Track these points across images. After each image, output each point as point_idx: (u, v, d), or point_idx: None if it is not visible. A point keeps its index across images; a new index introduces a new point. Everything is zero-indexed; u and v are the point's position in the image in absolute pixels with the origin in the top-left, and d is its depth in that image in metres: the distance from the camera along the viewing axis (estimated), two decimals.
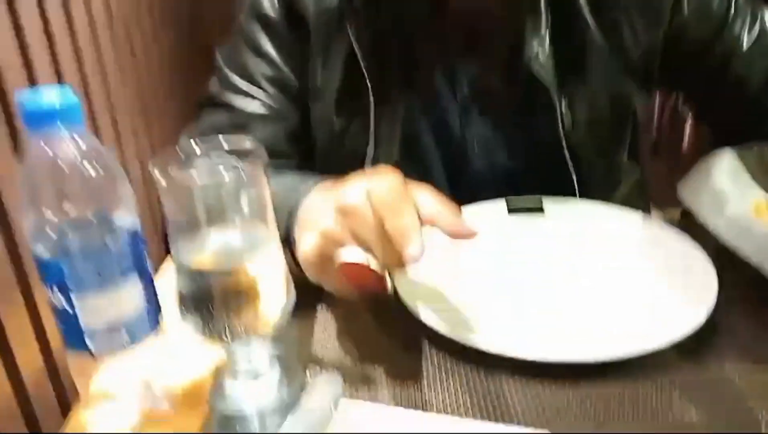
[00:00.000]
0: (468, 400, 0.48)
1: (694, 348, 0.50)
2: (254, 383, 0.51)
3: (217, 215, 0.45)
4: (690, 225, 0.61)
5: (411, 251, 0.46)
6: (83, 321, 0.45)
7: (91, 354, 0.46)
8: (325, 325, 0.58)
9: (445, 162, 0.74)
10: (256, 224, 0.47)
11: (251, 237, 0.46)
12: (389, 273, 0.50)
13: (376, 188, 0.48)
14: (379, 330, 0.57)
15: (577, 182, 0.72)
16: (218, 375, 0.53)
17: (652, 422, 0.45)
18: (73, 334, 0.45)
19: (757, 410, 0.45)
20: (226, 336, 0.48)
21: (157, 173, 0.43)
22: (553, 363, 0.49)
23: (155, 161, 0.44)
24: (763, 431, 0.43)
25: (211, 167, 0.44)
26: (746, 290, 0.56)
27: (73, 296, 0.44)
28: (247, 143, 0.45)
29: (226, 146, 0.45)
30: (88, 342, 0.45)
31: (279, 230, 0.56)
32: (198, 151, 0.46)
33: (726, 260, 0.55)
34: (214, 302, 0.46)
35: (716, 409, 0.45)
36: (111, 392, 0.50)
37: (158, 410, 0.50)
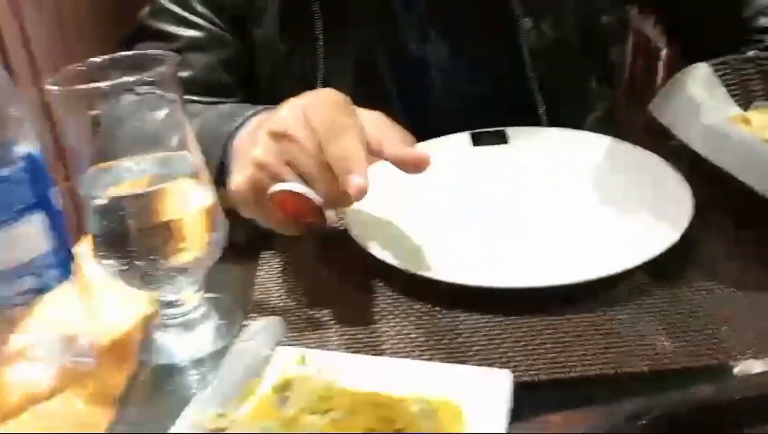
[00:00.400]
0: (423, 341, 0.44)
1: (666, 271, 0.46)
2: (188, 335, 0.46)
3: (128, 139, 0.40)
4: (661, 149, 0.57)
5: (354, 181, 0.40)
6: None
7: None
8: (267, 265, 0.53)
9: (403, 91, 0.68)
10: (175, 148, 0.41)
11: (169, 163, 0.41)
12: (334, 208, 0.45)
13: (314, 108, 0.43)
14: (327, 268, 0.52)
15: (545, 110, 0.67)
16: (147, 326, 0.48)
17: (621, 353, 0.41)
18: None
19: (729, 337, 0.41)
20: (151, 280, 0.43)
21: (54, 89, 0.37)
22: (516, 292, 0.44)
23: (53, 77, 0.38)
24: (733, 359, 0.39)
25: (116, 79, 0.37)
26: (720, 212, 0.53)
27: None
28: (156, 52, 0.39)
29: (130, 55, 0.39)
30: None
31: (213, 161, 0.51)
32: (103, 66, 0.40)
33: (699, 181, 0.51)
34: (130, 238, 0.40)
35: (688, 336, 0.42)
36: (29, 349, 0.45)
37: (81, 366, 0.45)
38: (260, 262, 0.53)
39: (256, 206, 0.45)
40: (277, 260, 0.53)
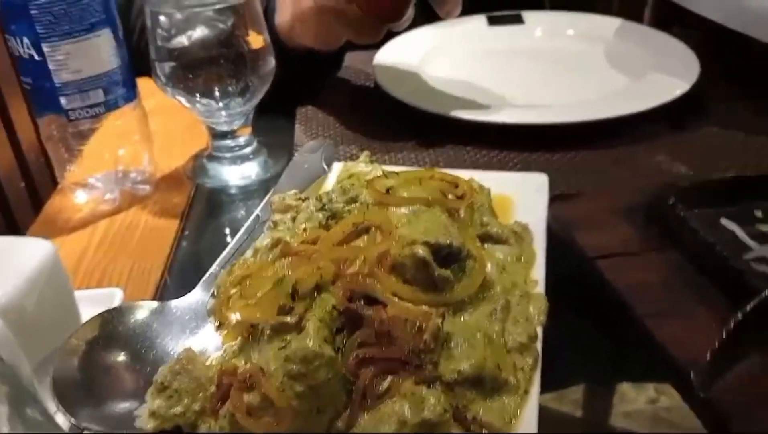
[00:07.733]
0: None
1: (679, 118, 0.52)
2: (239, 166, 0.49)
3: None
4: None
5: None
6: (55, 75, 0.42)
7: (66, 116, 0.43)
8: (305, 117, 0.56)
9: None
10: None
11: None
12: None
13: None
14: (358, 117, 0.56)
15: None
16: (199, 157, 0.51)
17: (643, 176, 0.46)
18: (45, 92, 0.42)
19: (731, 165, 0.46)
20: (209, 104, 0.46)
21: None
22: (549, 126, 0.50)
23: None
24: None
25: None
26: (725, 73, 0.58)
27: (43, 46, 0.41)
28: None
29: None
30: (62, 101, 0.43)
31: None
32: None
33: (706, 51, 0.56)
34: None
35: (701, 164, 0.47)
36: (86, 180, 0.48)
37: (140, 191, 0.48)
38: (298, 116, 0.56)
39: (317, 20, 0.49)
40: (312, 112, 0.57)
